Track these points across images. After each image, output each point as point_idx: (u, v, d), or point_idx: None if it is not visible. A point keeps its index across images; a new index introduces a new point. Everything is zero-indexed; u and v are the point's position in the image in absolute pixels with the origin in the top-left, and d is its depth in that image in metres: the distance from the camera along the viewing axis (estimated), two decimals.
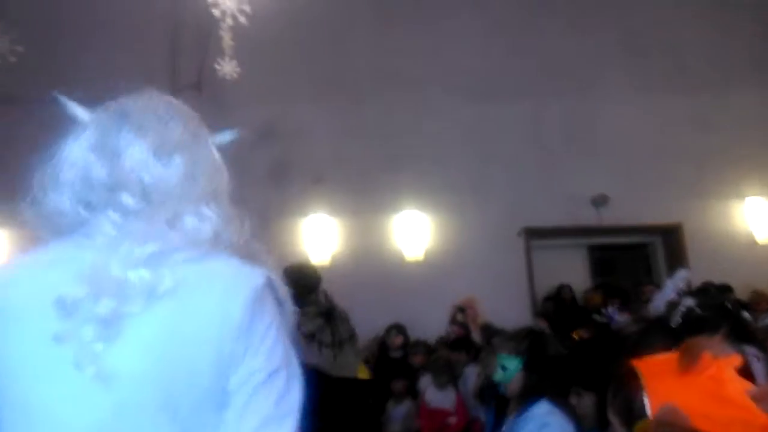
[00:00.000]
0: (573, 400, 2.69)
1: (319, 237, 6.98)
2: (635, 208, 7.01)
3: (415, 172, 7.08)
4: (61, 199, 1.05)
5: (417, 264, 7.00)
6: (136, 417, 0.90)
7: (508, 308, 6.04)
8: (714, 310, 2.72)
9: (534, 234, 7.12)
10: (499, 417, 3.34)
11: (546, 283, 7.09)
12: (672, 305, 2.69)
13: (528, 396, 2.92)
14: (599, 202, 7.08)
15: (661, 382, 2.50)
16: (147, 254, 0.95)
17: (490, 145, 7.20)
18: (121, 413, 0.90)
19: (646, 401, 2.41)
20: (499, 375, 3.00)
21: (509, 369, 2.99)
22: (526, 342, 3.07)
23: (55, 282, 0.95)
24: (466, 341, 5.11)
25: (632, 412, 2.38)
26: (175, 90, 6.66)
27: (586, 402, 2.66)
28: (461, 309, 5.49)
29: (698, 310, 2.64)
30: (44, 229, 1.07)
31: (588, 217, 7.09)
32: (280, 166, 6.93)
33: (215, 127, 1.22)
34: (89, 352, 0.89)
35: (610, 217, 7.07)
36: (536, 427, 2.80)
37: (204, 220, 1.03)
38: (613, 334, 4.24)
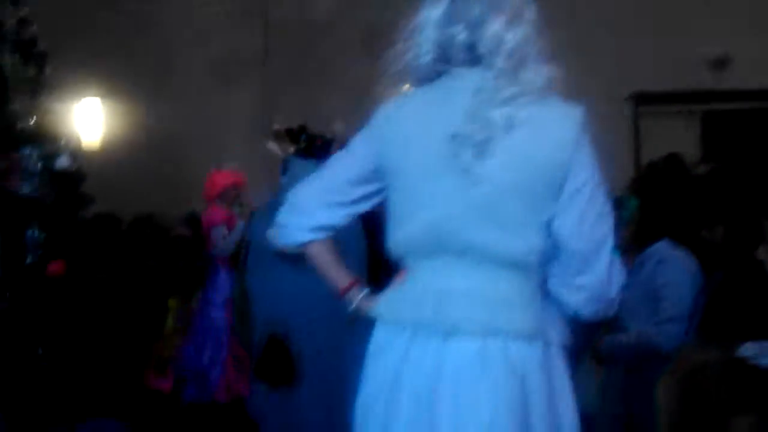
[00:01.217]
0: (704, 235, 2.53)
1: None
2: (760, 70, 6.38)
3: None
4: (424, 55, 1.42)
5: None
6: (503, 198, 1.34)
7: (613, 177, 5.77)
8: None
9: (643, 99, 6.74)
10: None
11: (652, 154, 6.71)
12: None
13: (645, 236, 2.78)
14: (719, 63, 6.51)
15: None
16: (505, 97, 1.33)
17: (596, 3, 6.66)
18: (494, 197, 1.34)
19: None
20: (617, 216, 2.83)
21: (627, 209, 2.85)
22: (644, 180, 2.89)
23: (443, 117, 1.37)
24: None
25: None
26: None
27: (716, 235, 2.51)
28: None
29: None
30: (406, 78, 1.46)
31: (705, 80, 6.57)
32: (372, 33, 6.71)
33: None
34: (468, 163, 1.33)
35: (731, 80, 6.51)
36: (653, 264, 2.68)
37: (539, 73, 1.36)
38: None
